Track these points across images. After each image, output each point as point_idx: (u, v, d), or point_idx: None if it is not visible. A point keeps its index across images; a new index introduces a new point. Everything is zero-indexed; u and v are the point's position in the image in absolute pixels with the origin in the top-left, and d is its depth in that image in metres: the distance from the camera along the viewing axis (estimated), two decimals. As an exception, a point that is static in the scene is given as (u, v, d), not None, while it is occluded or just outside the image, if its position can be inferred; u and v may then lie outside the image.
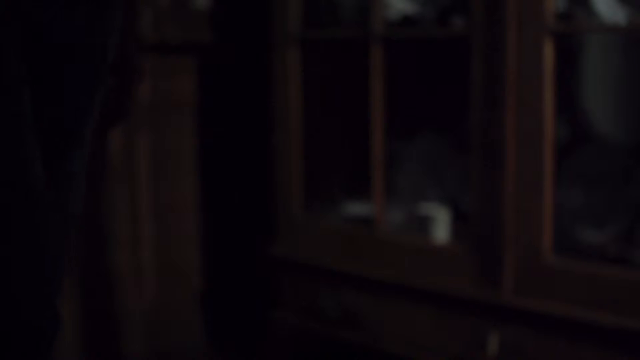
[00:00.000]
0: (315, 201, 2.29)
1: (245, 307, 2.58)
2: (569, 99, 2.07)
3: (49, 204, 1.05)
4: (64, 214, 1.10)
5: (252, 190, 2.57)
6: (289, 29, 2.17)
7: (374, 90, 2.05)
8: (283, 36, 2.18)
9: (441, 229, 2.02)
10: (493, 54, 1.80)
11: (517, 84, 1.77)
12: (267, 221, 2.33)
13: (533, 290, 1.78)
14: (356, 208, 2.27)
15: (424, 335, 1.95)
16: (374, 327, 2.05)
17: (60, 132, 1.08)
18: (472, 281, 1.87)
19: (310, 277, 2.17)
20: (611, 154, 1.99)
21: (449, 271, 1.91)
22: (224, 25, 2.48)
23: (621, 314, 1.66)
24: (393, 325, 2.01)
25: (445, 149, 2.28)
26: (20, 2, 1.01)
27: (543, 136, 1.75)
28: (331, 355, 2.28)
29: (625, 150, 2.01)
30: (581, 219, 1.96)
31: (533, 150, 1.76)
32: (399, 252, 2.01)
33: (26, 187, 0.97)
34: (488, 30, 1.81)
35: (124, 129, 2.29)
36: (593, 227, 1.95)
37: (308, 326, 2.18)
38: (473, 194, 1.87)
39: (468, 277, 1.87)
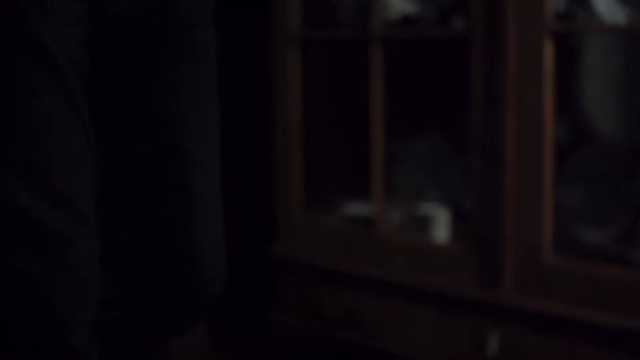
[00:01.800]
0: (315, 201, 2.29)
1: (245, 307, 2.57)
2: (569, 99, 2.07)
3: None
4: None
5: (252, 190, 2.57)
6: (289, 29, 2.17)
7: (374, 90, 2.05)
8: (283, 36, 2.18)
9: (441, 229, 2.02)
10: (493, 54, 1.80)
11: (517, 84, 1.77)
12: (267, 221, 2.33)
13: (533, 290, 1.78)
14: (356, 208, 2.27)
15: (424, 335, 1.95)
16: (374, 326, 2.05)
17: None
18: (472, 281, 1.87)
19: (310, 277, 2.17)
20: (611, 154, 1.99)
21: (449, 271, 1.91)
22: (224, 25, 2.48)
23: (621, 314, 1.66)
24: (393, 325, 2.01)
25: (445, 149, 2.28)
26: None
27: (543, 136, 1.75)
28: (331, 355, 2.28)
29: (625, 150, 2.01)
30: (581, 219, 1.96)
31: (533, 150, 1.76)
32: (399, 252, 2.01)
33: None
34: (488, 30, 1.81)
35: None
36: (593, 227, 1.95)
37: (308, 326, 2.18)
38: (473, 194, 1.87)
39: (468, 277, 1.87)
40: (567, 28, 1.87)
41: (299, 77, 2.19)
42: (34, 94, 0.92)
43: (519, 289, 1.79)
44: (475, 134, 1.85)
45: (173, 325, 1.18)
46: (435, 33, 2.11)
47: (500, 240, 1.81)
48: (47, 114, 0.92)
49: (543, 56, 1.73)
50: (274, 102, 2.23)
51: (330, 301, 2.12)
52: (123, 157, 1.09)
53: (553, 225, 1.78)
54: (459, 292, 1.89)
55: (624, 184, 1.95)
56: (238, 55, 2.54)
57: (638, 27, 1.91)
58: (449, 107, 2.27)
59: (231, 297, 2.58)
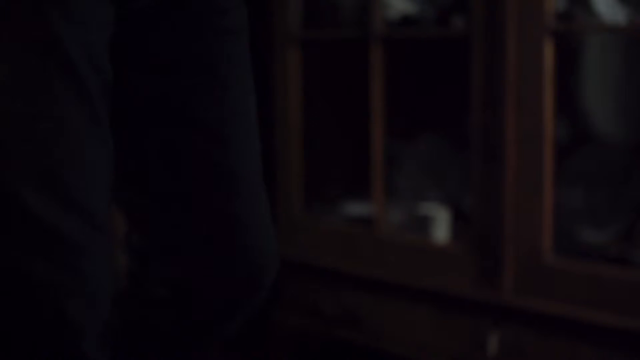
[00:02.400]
0: (315, 201, 2.29)
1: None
2: (569, 99, 2.07)
3: None
4: None
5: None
6: (289, 29, 2.17)
7: (374, 90, 2.05)
8: (283, 36, 2.18)
9: (441, 229, 2.02)
10: (493, 54, 1.80)
11: (517, 84, 1.77)
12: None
13: (533, 290, 1.78)
14: (356, 208, 2.27)
15: (424, 335, 1.95)
16: (374, 326, 2.05)
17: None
18: (472, 281, 1.87)
19: (310, 277, 2.17)
20: (611, 154, 1.99)
21: (449, 271, 1.91)
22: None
23: (621, 314, 1.66)
24: (393, 325, 2.01)
25: (445, 149, 2.28)
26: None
27: (543, 136, 1.75)
28: (331, 355, 2.28)
29: (625, 150, 2.01)
30: (581, 219, 1.96)
31: (533, 150, 1.76)
32: (399, 252, 2.01)
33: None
34: (488, 30, 1.81)
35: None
36: (593, 227, 1.95)
37: (308, 326, 2.18)
38: (473, 194, 1.87)
39: (468, 277, 1.87)
40: (567, 28, 1.87)
41: (299, 77, 2.19)
42: (49, 98, 0.91)
43: (519, 289, 1.79)
44: (475, 134, 1.85)
45: (227, 320, 1.15)
46: (435, 33, 2.11)
47: (500, 240, 1.81)
48: (61, 119, 0.91)
49: (543, 56, 1.73)
50: (274, 102, 2.23)
51: (330, 301, 2.12)
52: (164, 148, 1.08)
53: (553, 225, 1.78)
54: (459, 292, 1.89)
55: (624, 184, 1.95)
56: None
57: (638, 27, 1.91)
58: (449, 107, 2.27)
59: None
